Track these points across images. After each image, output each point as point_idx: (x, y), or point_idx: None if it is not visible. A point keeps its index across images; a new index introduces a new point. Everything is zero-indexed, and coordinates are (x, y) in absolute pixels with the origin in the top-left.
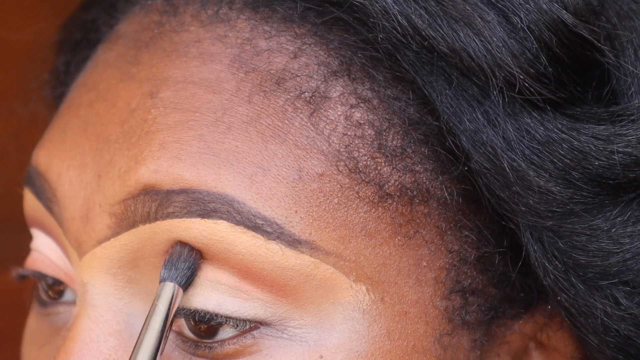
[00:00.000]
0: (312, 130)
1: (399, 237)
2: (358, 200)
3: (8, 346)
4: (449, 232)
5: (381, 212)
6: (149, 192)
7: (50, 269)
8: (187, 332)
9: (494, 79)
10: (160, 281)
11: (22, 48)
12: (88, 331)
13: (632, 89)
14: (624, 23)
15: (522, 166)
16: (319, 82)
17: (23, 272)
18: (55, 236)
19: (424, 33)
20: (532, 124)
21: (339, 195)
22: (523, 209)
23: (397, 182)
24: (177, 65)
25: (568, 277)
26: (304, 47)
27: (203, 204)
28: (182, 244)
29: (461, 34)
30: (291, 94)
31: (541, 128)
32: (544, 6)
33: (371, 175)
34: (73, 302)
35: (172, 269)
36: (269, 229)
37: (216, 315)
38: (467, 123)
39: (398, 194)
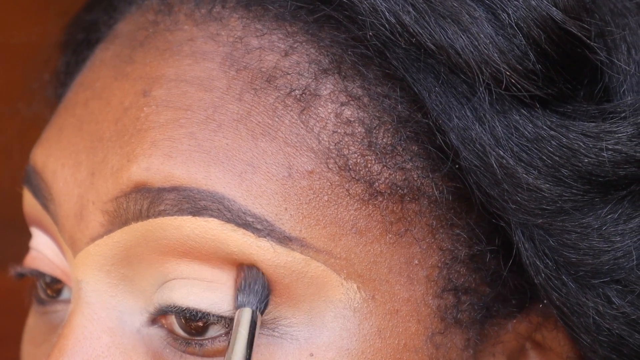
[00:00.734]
0: (302, 127)
1: (390, 235)
2: (348, 197)
3: (9, 346)
4: (440, 230)
5: (372, 210)
6: (141, 190)
7: (48, 267)
8: (178, 330)
9: (480, 75)
10: (238, 307)
11: (25, 49)
12: (82, 328)
13: (624, 87)
14: (618, 21)
15: (510, 163)
16: (310, 80)
17: (21, 270)
18: (52, 234)
19: (411, 30)
20: (520, 121)
21: (329, 193)
22: (513, 206)
23: (387, 180)
24: (170, 64)
25: (559, 276)
26: (295, 45)
27: (194, 202)
28: (254, 267)
29: (448, 31)
30: (282, 92)
31: (530, 125)
32: (533, 2)
33: (361, 172)
34: (70, 300)
35: (250, 294)
36: (259, 226)
37: (208, 314)
38: (456, 120)
39: (388, 192)
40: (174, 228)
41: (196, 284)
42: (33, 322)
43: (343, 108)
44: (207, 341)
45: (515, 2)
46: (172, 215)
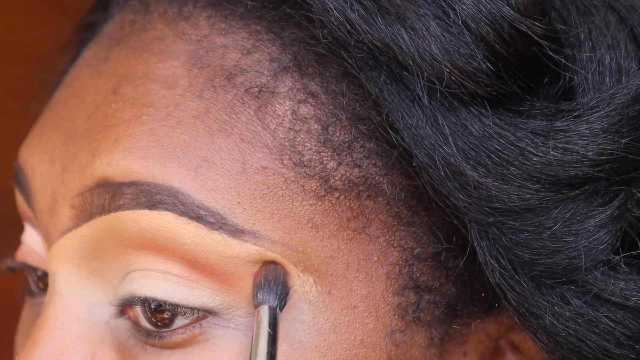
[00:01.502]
0: (258, 124)
1: (348, 232)
2: (303, 193)
3: (8, 346)
4: (401, 228)
5: (327, 206)
6: (103, 185)
7: (36, 261)
8: (144, 322)
9: (420, 73)
10: (257, 305)
11: (25, 50)
12: (53, 319)
13: (584, 85)
14: (583, 19)
15: (457, 160)
16: (269, 78)
17: (11, 264)
18: (37, 228)
19: (358, 28)
20: (469, 119)
21: (283, 188)
22: (463, 205)
23: (343, 177)
24: (139, 62)
25: (514, 275)
26: (257, 44)
27: (150, 196)
28: (273, 264)
29: (393, 28)
30: (240, 90)
31: (478, 123)
32: (484, 0)
33: (316, 169)
34: None
35: (269, 293)
36: (211, 220)
37: (164, 302)
38: (407, 118)
39: (344, 188)
40: (133, 221)
41: (152, 274)
42: (25, 314)
43: (300, 105)
44: (166, 333)
45: (465, 0)
46: (131, 209)
